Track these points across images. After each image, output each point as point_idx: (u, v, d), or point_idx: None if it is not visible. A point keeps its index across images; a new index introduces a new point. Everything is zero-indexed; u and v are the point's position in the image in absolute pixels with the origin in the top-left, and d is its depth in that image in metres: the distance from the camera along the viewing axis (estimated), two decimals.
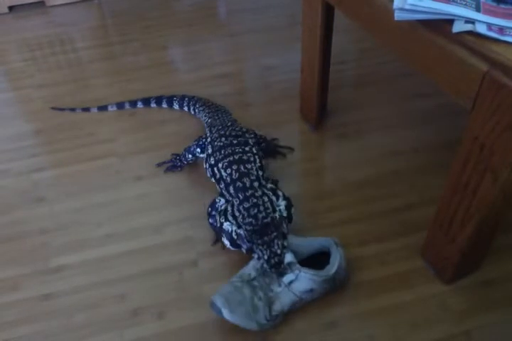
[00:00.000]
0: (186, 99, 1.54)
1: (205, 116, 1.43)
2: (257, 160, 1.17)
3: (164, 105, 1.57)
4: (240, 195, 1.07)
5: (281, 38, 1.86)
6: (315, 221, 1.18)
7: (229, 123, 1.31)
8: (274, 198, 1.08)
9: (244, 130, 1.26)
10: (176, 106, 1.56)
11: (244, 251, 1.04)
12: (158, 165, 1.35)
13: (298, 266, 0.98)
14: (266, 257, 0.98)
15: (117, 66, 1.79)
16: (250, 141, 1.22)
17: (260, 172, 1.14)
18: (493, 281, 1.04)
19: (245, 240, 1.01)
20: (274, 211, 1.04)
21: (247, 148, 1.18)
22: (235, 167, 1.13)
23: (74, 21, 2.07)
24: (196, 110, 1.50)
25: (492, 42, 0.72)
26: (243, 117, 1.41)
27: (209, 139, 1.26)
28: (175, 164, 1.34)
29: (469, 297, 1.02)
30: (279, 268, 0.97)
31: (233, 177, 1.11)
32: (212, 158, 1.20)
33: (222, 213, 1.08)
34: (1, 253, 1.18)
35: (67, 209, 1.26)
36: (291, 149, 1.37)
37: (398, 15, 0.78)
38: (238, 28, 1.95)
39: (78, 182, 1.34)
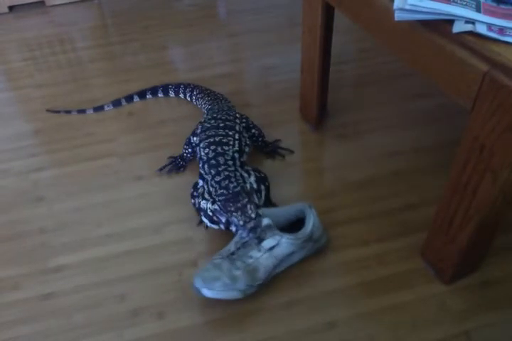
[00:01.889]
0: (182, 86, 1.57)
1: (204, 103, 1.47)
2: (236, 145, 1.21)
3: (160, 94, 1.60)
4: (212, 171, 1.12)
5: (281, 38, 1.86)
6: None
7: (225, 108, 1.35)
8: (245, 175, 1.13)
9: (237, 115, 1.30)
10: (171, 94, 1.59)
11: (223, 227, 1.07)
12: (160, 169, 1.34)
13: (279, 231, 1.02)
14: (241, 223, 1.00)
15: (117, 66, 1.79)
16: (238, 126, 1.26)
17: (237, 155, 1.18)
18: (493, 281, 1.04)
19: (221, 212, 1.04)
20: (245, 183, 1.09)
21: (230, 132, 1.23)
22: (212, 147, 1.18)
23: (74, 21, 2.07)
24: (194, 97, 1.54)
25: (492, 42, 0.72)
26: None
27: (202, 120, 1.31)
28: (177, 164, 1.34)
29: (469, 297, 1.02)
30: (256, 233, 1.00)
31: (209, 156, 1.16)
32: (197, 138, 1.25)
33: (200, 194, 1.12)
34: (0, 252, 1.18)
35: (66, 209, 1.26)
36: (292, 152, 1.37)
37: (398, 16, 0.78)
38: (238, 28, 1.95)
39: (78, 182, 1.34)
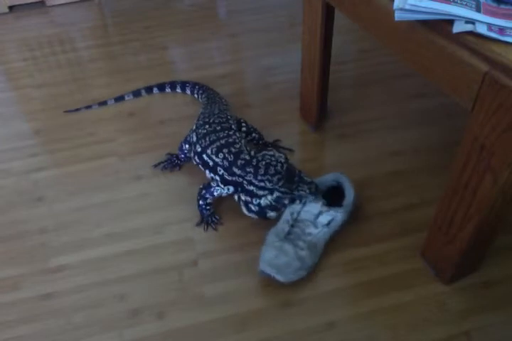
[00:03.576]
0: (197, 86, 1.59)
1: (203, 103, 1.48)
2: (242, 141, 1.21)
3: (178, 90, 1.63)
4: (248, 169, 1.11)
5: (281, 38, 1.86)
6: None
7: (216, 111, 1.34)
8: (271, 153, 1.15)
9: (229, 117, 1.30)
10: (188, 92, 1.62)
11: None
12: (155, 165, 1.35)
13: (335, 208, 1.09)
14: (308, 191, 1.07)
15: (117, 66, 1.79)
16: (233, 126, 1.27)
17: (248, 148, 1.20)
18: (492, 282, 1.04)
19: (286, 195, 1.08)
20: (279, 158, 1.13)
21: (230, 132, 1.23)
22: (225, 150, 1.17)
23: (74, 21, 2.07)
24: (200, 96, 1.55)
25: (492, 42, 0.72)
26: (243, 117, 1.41)
27: (194, 127, 1.30)
28: (172, 162, 1.34)
29: (469, 297, 1.02)
30: (320, 192, 1.10)
31: (230, 159, 1.15)
32: (198, 146, 1.23)
33: (252, 198, 1.11)
34: (0, 252, 1.18)
35: (66, 209, 1.26)
36: (291, 151, 1.37)
37: (398, 16, 0.78)
38: (238, 28, 1.95)
39: (78, 182, 1.34)
